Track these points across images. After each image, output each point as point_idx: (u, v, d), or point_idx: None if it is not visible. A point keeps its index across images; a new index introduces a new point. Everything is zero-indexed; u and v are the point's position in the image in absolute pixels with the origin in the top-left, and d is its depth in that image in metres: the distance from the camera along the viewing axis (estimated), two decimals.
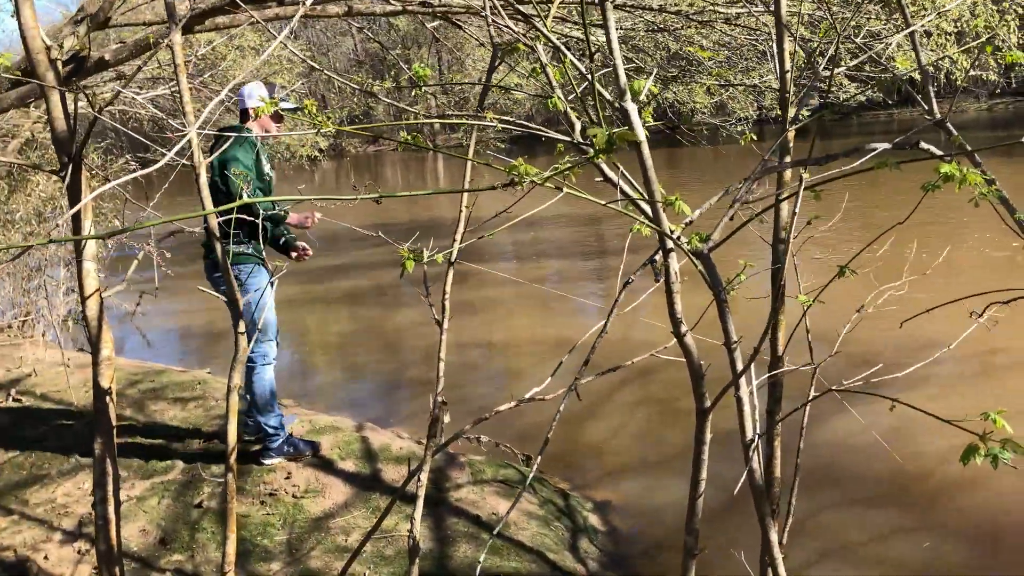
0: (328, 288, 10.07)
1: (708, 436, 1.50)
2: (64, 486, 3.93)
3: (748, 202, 1.68)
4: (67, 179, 1.96)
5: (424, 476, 2.18)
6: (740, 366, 1.52)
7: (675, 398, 5.54)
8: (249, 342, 3.95)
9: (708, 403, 1.50)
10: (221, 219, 3.83)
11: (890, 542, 3.76)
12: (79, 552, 3.45)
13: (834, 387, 1.64)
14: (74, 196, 2.09)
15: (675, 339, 1.49)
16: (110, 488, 2.22)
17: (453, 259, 2.25)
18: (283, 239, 4.04)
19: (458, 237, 2.02)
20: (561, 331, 7.32)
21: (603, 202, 1.41)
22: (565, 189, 1.29)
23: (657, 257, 1.68)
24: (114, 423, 2.24)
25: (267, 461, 4.04)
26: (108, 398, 2.23)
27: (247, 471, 3.98)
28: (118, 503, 2.24)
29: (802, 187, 1.70)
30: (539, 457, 2.01)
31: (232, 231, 3.59)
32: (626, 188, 1.58)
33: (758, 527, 1.74)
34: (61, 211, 7.99)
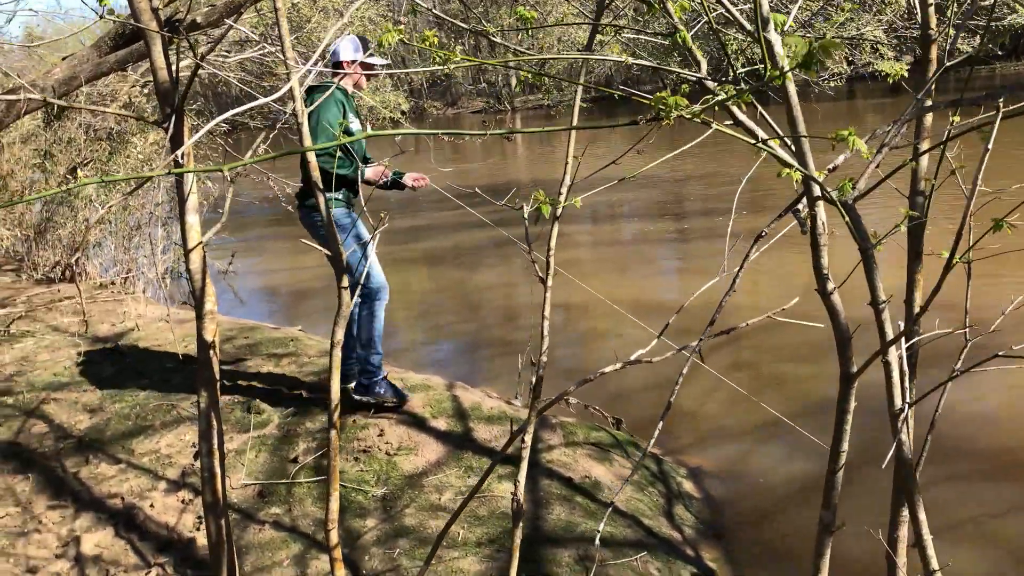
0: (409, 249, 10.12)
1: (852, 404, 1.37)
2: (167, 437, 4.04)
3: (897, 147, 1.51)
4: (170, 129, 1.93)
5: (528, 438, 2.11)
6: (888, 327, 1.37)
7: (769, 362, 5.34)
8: (354, 291, 3.99)
9: (854, 368, 1.36)
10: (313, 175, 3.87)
11: (1007, 519, 3.53)
12: (183, 502, 3.54)
13: (999, 353, 1.47)
14: (176, 146, 2.07)
15: (821, 296, 1.35)
16: (215, 441, 2.23)
17: (559, 212, 2.14)
18: (391, 180, 4.07)
19: (564, 187, 1.91)
20: (640, 294, 7.16)
21: (752, 141, 1.28)
22: (715, 125, 1.17)
23: (801, 207, 1.54)
24: (217, 376, 2.24)
25: (358, 397, 4.10)
26: (211, 351, 2.24)
27: (341, 426, 4.01)
28: (223, 456, 2.25)
29: (951, 134, 1.52)
30: (653, 439, 1.90)
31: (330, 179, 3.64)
32: (757, 131, 1.43)
33: (872, 499, 1.60)
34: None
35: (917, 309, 1.87)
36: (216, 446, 2.23)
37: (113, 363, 5.06)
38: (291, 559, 3.15)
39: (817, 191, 1.35)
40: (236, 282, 8.69)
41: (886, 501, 2.23)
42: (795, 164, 1.26)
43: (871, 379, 1.70)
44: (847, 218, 1.40)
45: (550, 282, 2.12)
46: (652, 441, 2.25)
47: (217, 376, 2.23)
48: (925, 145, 1.88)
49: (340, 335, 1.99)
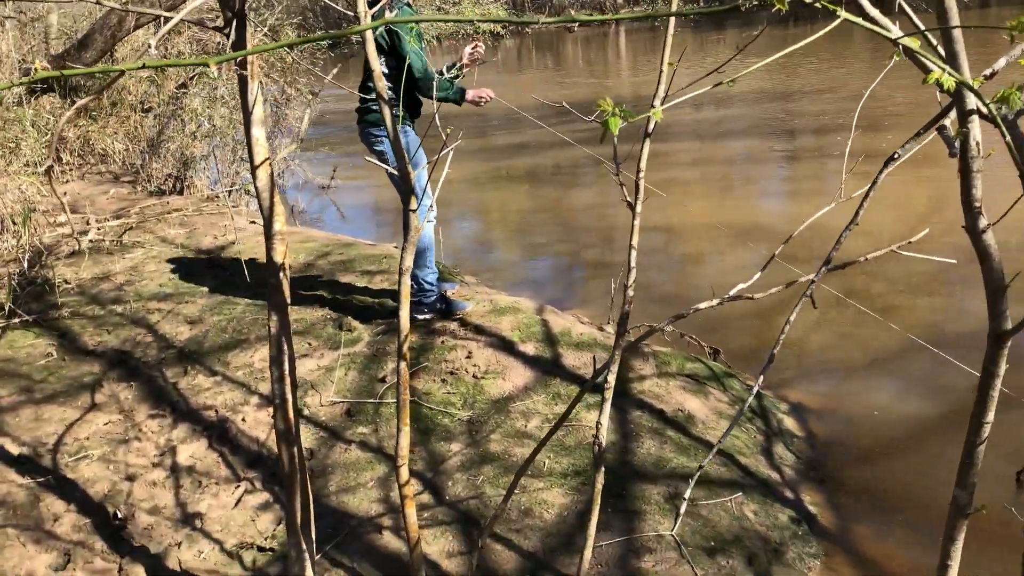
0: (508, 166, 9.93)
1: (1003, 368, 1.13)
2: (261, 352, 4.09)
3: None
4: (231, 35, 1.79)
5: (612, 377, 1.94)
6: None
7: (883, 294, 4.96)
8: (418, 208, 3.90)
9: (1009, 324, 1.12)
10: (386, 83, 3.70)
11: None
12: (273, 417, 3.58)
13: None
14: (240, 36, 1.93)
15: (970, 235, 1.10)
16: (286, 366, 2.16)
17: (651, 128, 1.90)
18: (454, 96, 3.85)
19: (659, 96, 1.67)
20: (744, 216, 6.76)
21: (892, 36, 1.02)
22: (842, 14, 0.92)
23: (949, 123, 1.26)
24: (288, 299, 2.16)
25: (420, 316, 4.17)
26: (282, 273, 2.14)
27: (429, 346, 3.96)
28: (295, 381, 2.18)
29: None
30: (761, 377, 1.70)
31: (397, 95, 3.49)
32: (891, 27, 1.16)
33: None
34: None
35: None
36: (288, 371, 2.16)
37: (214, 275, 5.16)
38: (375, 481, 3.14)
39: (972, 102, 1.08)
40: (338, 197, 8.76)
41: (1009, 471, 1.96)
42: (945, 67, 1.00)
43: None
44: (1007, 137, 1.12)
45: (639, 207, 1.91)
46: (761, 378, 2.04)
47: (288, 299, 2.15)
48: None
49: (409, 261, 1.85)
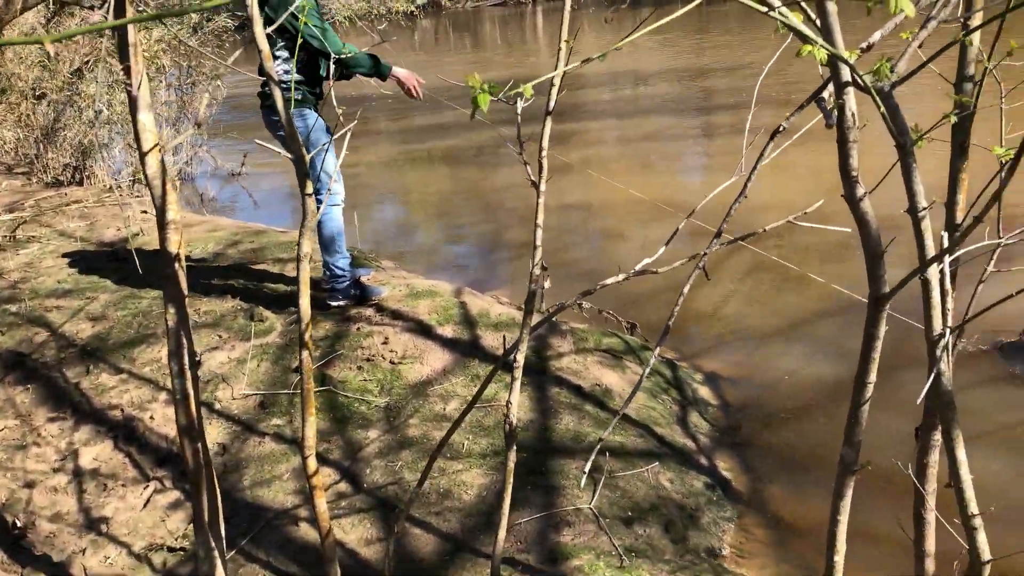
0: (429, 148, 9.83)
1: (883, 330, 1.16)
2: None
3: (947, 22, 1.24)
4: (110, 14, 1.70)
5: (521, 357, 1.94)
6: (929, 239, 1.15)
7: (790, 263, 5.10)
8: (319, 194, 3.82)
9: (887, 288, 1.15)
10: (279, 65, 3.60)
11: None
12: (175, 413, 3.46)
13: None
14: (121, 34, 1.83)
15: (849, 203, 1.12)
16: (186, 360, 2.08)
17: (551, 107, 1.89)
18: (376, 68, 3.73)
19: (558, 72, 1.65)
20: (662, 192, 6.86)
21: (763, 9, 1.02)
22: None
23: (827, 95, 1.28)
24: (186, 291, 2.08)
25: (334, 303, 4.08)
26: (177, 264, 2.06)
27: (344, 334, 3.89)
28: (196, 376, 2.11)
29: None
30: (658, 348, 1.72)
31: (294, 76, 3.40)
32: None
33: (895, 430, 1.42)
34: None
35: (961, 214, 1.62)
36: (188, 366, 2.09)
37: (118, 269, 4.95)
38: (291, 472, 3.08)
39: (847, 74, 1.10)
40: (250, 184, 8.51)
41: (908, 428, 2.05)
42: (818, 40, 1.01)
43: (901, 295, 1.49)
44: (882, 108, 1.15)
45: (543, 186, 1.90)
46: (658, 347, 2.07)
47: (185, 291, 2.07)
48: (978, 19, 1.59)
49: (307, 247, 1.80)
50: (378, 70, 3.73)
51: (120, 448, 3.28)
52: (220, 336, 3.99)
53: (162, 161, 1.99)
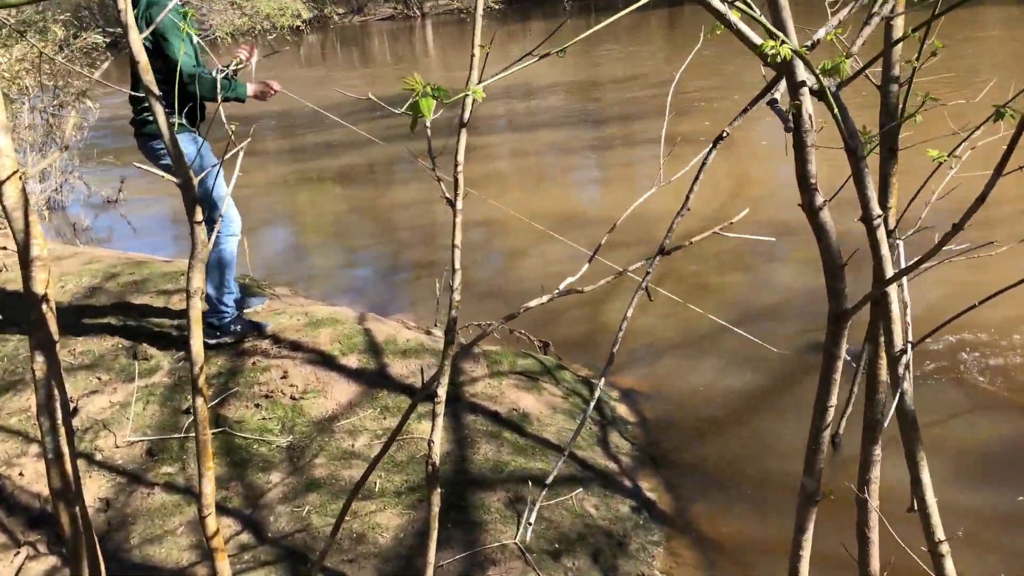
0: (320, 167, 9.52)
1: (843, 349, 1.07)
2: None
3: (891, 17, 1.17)
4: None
5: (443, 390, 1.77)
6: (884, 248, 1.07)
7: (702, 272, 5.14)
8: (211, 221, 3.55)
9: (848, 304, 1.06)
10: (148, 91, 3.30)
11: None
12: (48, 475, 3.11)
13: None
14: None
15: (807, 213, 1.03)
16: (59, 414, 1.81)
17: (466, 119, 1.75)
18: (234, 94, 3.49)
19: (472, 80, 1.52)
20: (561, 205, 6.84)
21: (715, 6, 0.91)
22: None
23: (779, 96, 1.19)
24: (56, 337, 1.81)
25: (211, 341, 3.75)
26: (45, 305, 1.80)
27: (239, 369, 3.61)
28: (71, 431, 1.84)
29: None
30: (603, 379, 1.59)
31: (165, 101, 3.11)
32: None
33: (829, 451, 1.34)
34: None
35: (893, 219, 1.57)
36: (61, 420, 1.82)
37: None
38: (186, 526, 2.79)
39: (802, 74, 1.01)
40: (129, 211, 7.98)
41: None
42: (780, 35, 0.91)
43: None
44: (835, 109, 1.06)
45: (460, 204, 1.75)
46: (602, 379, 1.95)
47: (55, 337, 1.80)
48: (899, 26, 1.55)
49: (198, 281, 1.58)
50: (237, 96, 3.48)
51: None
52: (100, 378, 3.63)
53: (23, 191, 1.73)
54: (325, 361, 3.62)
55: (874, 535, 1.68)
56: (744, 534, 2.91)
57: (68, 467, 1.84)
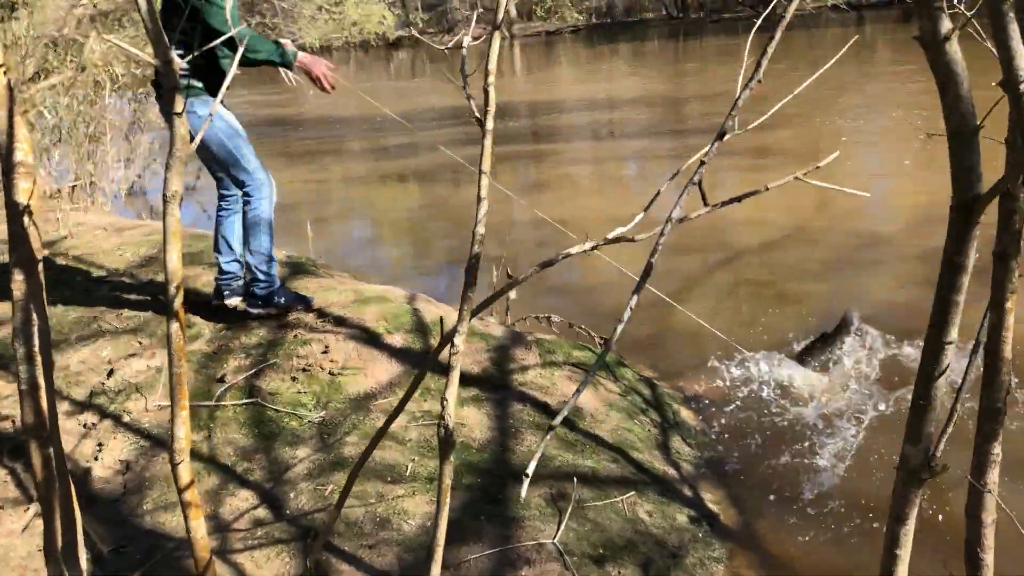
0: (400, 165, 9.49)
1: (971, 255, 0.76)
2: (81, 352, 3.47)
3: None
4: None
5: (460, 340, 1.51)
6: None
7: (776, 281, 4.76)
8: (242, 184, 3.37)
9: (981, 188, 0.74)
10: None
11: None
12: (84, 426, 2.98)
13: None
14: None
15: (924, 47, 0.72)
16: (36, 342, 1.62)
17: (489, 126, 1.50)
18: (284, 59, 3.27)
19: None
20: (632, 209, 6.51)
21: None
22: None
23: None
24: (39, 254, 1.63)
25: (254, 311, 3.56)
26: (28, 219, 1.61)
27: (279, 341, 3.43)
28: (49, 361, 1.65)
29: None
30: (613, 340, 1.33)
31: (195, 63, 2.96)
32: None
33: None
34: None
35: None
36: (39, 348, 1.63)
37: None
38: (203, 495, 2.59)
39: None
40: (204, 197, 8.07)
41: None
42: None
43: None
44: None
45: (490, 124, 1.50)
46: (615, 336, 1.65)
47: (38, 254, 1.62)
48: None
49: (176, 185, 1.36)
50: (283, 58, 3.25)
51: (4, 465, 2.78)
52: (140, 343, 3.51)
53: (9, 86, 1.55)
54: (369, 338, 3.40)
55: (988, 557, 1.32)
56: (817, 558, 2.53)
57: (44, 401, 1.64)
